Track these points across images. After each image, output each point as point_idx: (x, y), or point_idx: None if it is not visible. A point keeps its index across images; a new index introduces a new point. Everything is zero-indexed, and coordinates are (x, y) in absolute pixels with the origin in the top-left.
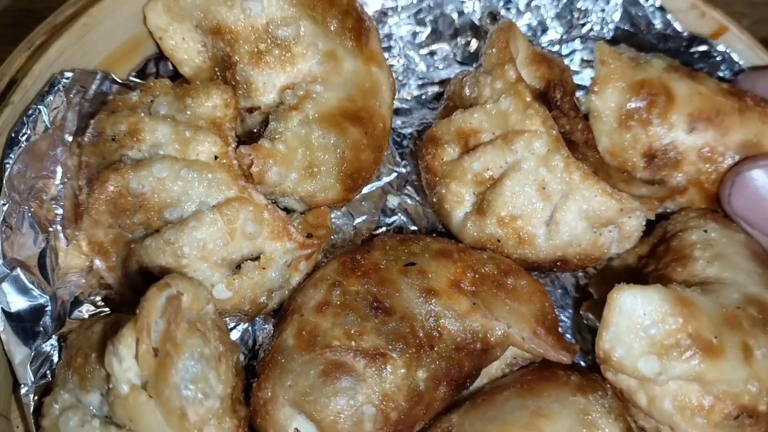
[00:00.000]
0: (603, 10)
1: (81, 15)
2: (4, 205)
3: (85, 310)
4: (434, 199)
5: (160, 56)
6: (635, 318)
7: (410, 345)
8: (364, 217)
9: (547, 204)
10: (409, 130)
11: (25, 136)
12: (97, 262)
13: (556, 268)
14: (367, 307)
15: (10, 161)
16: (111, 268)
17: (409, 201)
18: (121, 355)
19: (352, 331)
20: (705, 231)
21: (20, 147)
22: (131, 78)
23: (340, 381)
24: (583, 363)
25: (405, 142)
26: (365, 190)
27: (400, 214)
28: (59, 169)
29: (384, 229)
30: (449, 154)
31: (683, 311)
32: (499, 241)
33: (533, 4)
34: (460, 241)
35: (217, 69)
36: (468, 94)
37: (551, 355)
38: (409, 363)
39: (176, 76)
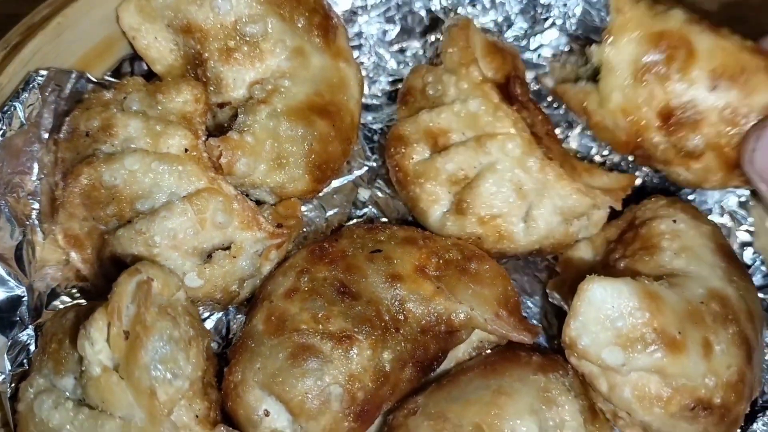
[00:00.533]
0: (565, 5)
1: (56, 15)
2: None
3: (61, 303)
4: (408, 197)
5: (135, 56)
6: (603, 309)
7: (376, 328)
8: (335, 210)
9: (524, 202)
10: (380, 126)
11: (1, 132)
12: (73, 255)
13: (531, 256)
14: (334, 293)
15: None
16: (86, 260)
17: (379, 194)
18: (93, 338)
19: (320, 315)
20: (674, 221)
21: None
22: (106, 77)
23: (308, 363)
24: (549, 347)
25: (376, 137)
26: (337, 183)
27: (370, 207)
28: (36, 166)
29: (355, 221)
30: (419, 153)
31: (650, 306)
32: (479, 238)
33: (498, 0)
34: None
35: (189, 67)
36: (432, 93)
37: (513, 335)
38: (375, 345)
39: (150, 76)
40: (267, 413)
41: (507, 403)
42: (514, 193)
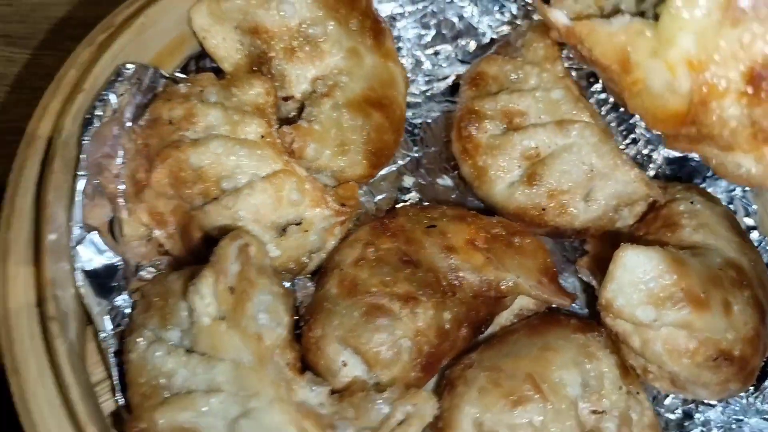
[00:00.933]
0: None
1: (139, 15)
2: (83, 176)
3: (147, 273)
4: (475, 166)
5: (200, 55)
6: (637, 273)
7: (436, 291)
8: (383, 195)
9: (589, 183)
10: (419, 121)
11: (97, 118)
12: (157, 231)
13: (576, 235)
14: (398, 261)
15: (86, 139)
16: (170, 236)
17: (422, 181)
18: (202, 293)
19: (387, 280)
20: (691, 202)
21: (93, 127)
22: (176, 73)
23: (380, 320)
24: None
25: (416, 131)
26: (383, 171)
27: (414, 192)
28: (120, 151)
29: (401, 204)
30: (493, 128)
31: (678, 270)
32: (543, 209)
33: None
34: (492, 206)
35: (252, 64)
36: (514, 78)
37: (554, 300)
38: (437, 306)
39: (213, 72)
40: (345, 364)
41: (553, 357)
42: (584, 174)
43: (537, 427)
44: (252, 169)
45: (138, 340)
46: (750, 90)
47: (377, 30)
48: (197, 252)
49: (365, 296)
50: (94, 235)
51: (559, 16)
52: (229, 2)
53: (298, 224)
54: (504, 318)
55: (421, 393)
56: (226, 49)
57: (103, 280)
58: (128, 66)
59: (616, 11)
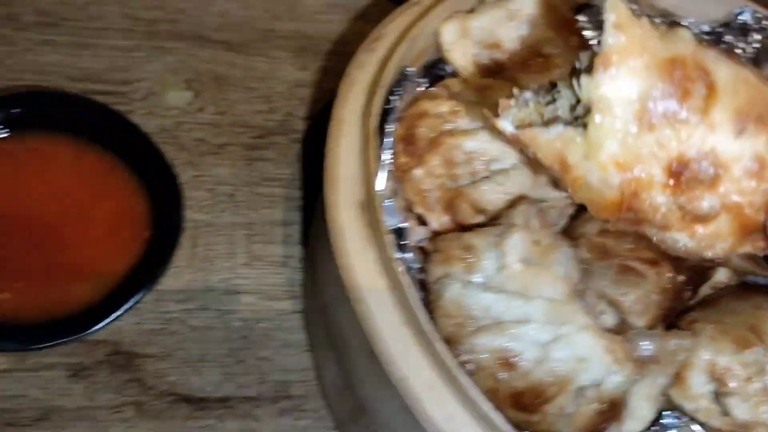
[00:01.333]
0: None
1: (411, 29)
2: (385, 155)
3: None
4: None
5: (431, 64)
6: None
7: (671, 259)
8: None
9: None
10: None
11: (391, 111)
12: (419, 207)
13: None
14: (635, 234)
15: (388, 126)
16: (429, 209)
17: None
18: (513, 246)
19: (631, 247)
20: None
21: (391, 116)
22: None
23: (632, 277)
24: None
25: None
26: None
27: None
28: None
29: None
30: None
31: None
32: None
33: None
34: None
35: (484, 73)
36: None
37: (758, 271)
38: (673, 270)
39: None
40: (602, 312)
41: (765, 314)
42: None
43: (761, 367)
44: (512, 152)
45: (451, 282)
46: (671, 182)
47: (589, 47)
48: (463, 223)
49: (616, 259)
50: (390, 202)
51: (505, 126)
52: (476, 22)
53: (544, 202)
54: (703, 290)
55: (680, 332)
56: (465, 60)
57: (396, 239)
58: (409, 69)
59: (555, 117)
